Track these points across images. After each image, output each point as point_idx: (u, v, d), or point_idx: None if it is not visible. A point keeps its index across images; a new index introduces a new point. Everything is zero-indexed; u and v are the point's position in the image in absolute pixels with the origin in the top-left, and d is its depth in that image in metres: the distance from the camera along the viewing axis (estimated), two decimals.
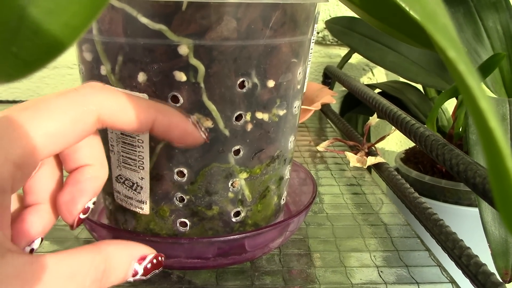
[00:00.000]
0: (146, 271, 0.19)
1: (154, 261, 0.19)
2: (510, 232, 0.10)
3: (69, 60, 0.79)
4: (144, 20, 0.22)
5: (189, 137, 0.22)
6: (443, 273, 0.29)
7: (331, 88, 0.79)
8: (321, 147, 0.52)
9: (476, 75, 0.09)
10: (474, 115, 0.09)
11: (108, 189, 0.28)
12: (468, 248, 0.29)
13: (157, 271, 0.20)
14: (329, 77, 0.79)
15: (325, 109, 0.71)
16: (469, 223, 0.61)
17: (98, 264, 0.17)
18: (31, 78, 0.79)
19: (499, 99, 0.44)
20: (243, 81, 0.24)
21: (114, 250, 0.18)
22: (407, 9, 0.10)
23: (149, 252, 0.19)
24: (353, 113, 0.81)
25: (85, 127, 0.19)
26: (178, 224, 0.27)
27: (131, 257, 0.19)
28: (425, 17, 0.10)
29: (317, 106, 0.58)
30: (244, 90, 0.25)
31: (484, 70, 0.50)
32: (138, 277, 0.19)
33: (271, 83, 0.25)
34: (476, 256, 0.28)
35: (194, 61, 0.23)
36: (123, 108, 0.20)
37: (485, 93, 0.09)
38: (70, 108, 0.18)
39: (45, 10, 0.09)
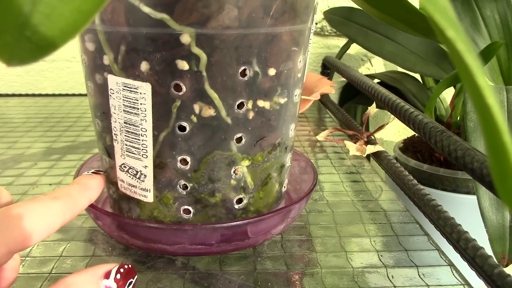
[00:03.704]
0: (119, 283, 0.19)
1: (122, 270, 0.19)
2: (509, 207, 0.11)
3: (68, 53, 0.79)
4: (146, 9, 0.23)
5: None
6: (442, 256, 0.30)
7: (330, 78, 0.79)
8: (320, 136, 0.53)
9: (475, 54, 0.09)
10: (472, 93, 0.10)
11: (112, 178, 0.29)
12: (466, 232, 0.30)
13: (133, 280, 0.20)
14: (327, 68, 0.79)
15: (324, 99, 0.71)
16: (466, 211, 0.62)
17: None
18: (29, 71, 0.79)
19: (496, 87, 0.44)
20: (244, 70, 0.25)
21: (74, 279, 0.18)
22: None
23: (112, 266, 0.19)
24: (351, 103, 0.81)
25: None
26: (181, 211, 0.27)
27: (95, 277, 0.19)
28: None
29: (316, 96, 0.59)
30: (246, 78, 0.25)
31: (482, 58, 0.51)
32: None
33: (272, 71, 0.26)
34: (474, 240, 0.29)
35: (196, 50, 0.23)
36: None
37: (483, 72, 0.09)
38: None
39: None
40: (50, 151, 0.48)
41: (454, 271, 0.28)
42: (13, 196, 0.37)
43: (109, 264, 0.19)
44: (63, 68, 0.80)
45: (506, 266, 0.38)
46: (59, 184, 0.40)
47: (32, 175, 0.42)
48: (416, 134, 0.76)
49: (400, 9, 0.25)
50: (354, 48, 0.83)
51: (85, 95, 0.76)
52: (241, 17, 0.23)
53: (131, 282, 0.20)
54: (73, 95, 0.76)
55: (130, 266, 0.20)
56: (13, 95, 0.76)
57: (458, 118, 0.66)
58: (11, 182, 0.40)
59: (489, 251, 0.31)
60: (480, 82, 0.09)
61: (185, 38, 0.23)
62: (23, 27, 0.09)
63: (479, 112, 0.10)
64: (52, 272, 0.27)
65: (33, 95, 0.76)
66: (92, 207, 0.28)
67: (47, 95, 0.76)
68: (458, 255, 0.30)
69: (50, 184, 0.40)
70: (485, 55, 0.51)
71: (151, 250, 0.29)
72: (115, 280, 0.19)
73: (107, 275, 0.19)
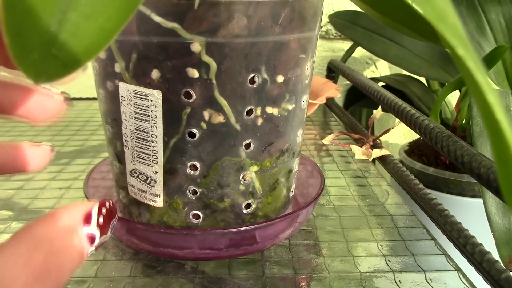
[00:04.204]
0: (102, 227, 0.14)
1: (104, 210, 0.15)
2: None
3: None
4: (157, 18, 0.23)
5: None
6: (449, 261, 0.30)
7: (335, 82, 0.79)
8: (326, 140, 0.53)
9: (484, 71, 0.10)
10: (482, 108, 0.10)
11: (122, 183, 0.29)
12: (473, 237, 0.30)
13: (115, 221, 0.15)
14: (333, 71, 0.79)
15: (329, 102, 0.71)
16: (472, 214, 0.62)
17: (29, 261, 0.12)
18: None
19: (502, 91, 0.44)
20: (253, 77, 0.25)
21: (43, 231, 0.13)
22: (418, 9, 0.11)
23: (91, 205, 0.15)
24: (357, 107, 0.81)
25: None
26: (191, 216, 0.27)
27: (73, 225, 0.14)
28: (435, 17, 0.10)
29: (321, 100, 0.59)
30: (255, 85, 0.25)
31: (487, 62, 0.51)
32: (98, 241, 0.14)
33: (280, 79, 0.26)
34: (481, 244, 0.29)
35: (206, 58, 0.24)
36: None
37: (492, 88, 0.10)
38: None
39: (83, 15, 0.10)
40: (58, 155, 0.49)
41: (461, 276, 0.28)
42: (23, 201, 0.38)
43: (86, 203, 0.15)
44: None
45: None
46: (69, 188, 0.40)
47: (42, 179, 0.42)
48: (422, 138, 0.77)
49: (404, 13, 0.26)
50: (359, 52, 0.84)
51: (93, 98, 0.76)
52: (250, 26, 0.24)
53: (114, 223, 0.15)
54: (81, 98, 0.77)
55: (111, 203, 0.16)
56: None
57: (464, 122, 0.66)
58: (21, 187, 0.41)
59: (495, 255, 0.31)
60: (489, 99, 0.09)
61: (196, 47, 0.23)
62: (50, 45, 0.10)
63: (488, 125, 0.10)
64: None
65: None
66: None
67: None
68: (465, 259, 0.30)
69: (59, 188, 0.40)
70: (491, 59, 0.51)
71: (160, 254, 0.29)
72: (98, 225, 0.14)
73: (87, 220, 0.14)
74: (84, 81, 0.81)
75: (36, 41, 0.10)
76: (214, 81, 0.24)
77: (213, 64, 0.24)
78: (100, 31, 0.10)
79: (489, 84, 0.10)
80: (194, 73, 0.24)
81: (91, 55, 0.11)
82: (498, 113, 0.09)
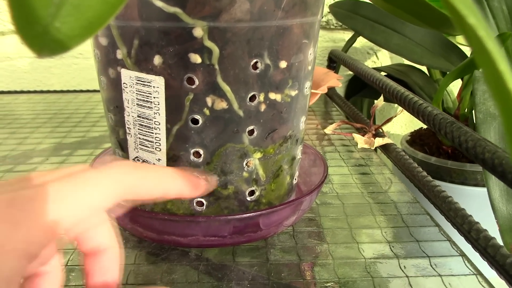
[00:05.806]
0: None
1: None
2: None
3: (75, 50, 0.80)
4: (159, 3, 0.23)
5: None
6: (453, 247, 0.30)
7: (336, 72, 0.79)
8: (328, 130, 0.53)
9: (495, 40, 0.10)
10: (492, 78, 0.10)
11: None
12: (477, 223, 0.30)
13: None
14: (334, 61, 0.79)
15: (330, 93, 0.71)
16: (475, 203, 0.62)
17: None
18: (37, 68, 0.80)
19: None
20: (256, 62, 0.25)
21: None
22: None
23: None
24: (358, 97, 0.81)
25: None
26: (195, 204, 0.27)
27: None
28: None
29: (323, 90, 0.59)
30: (257, 71, 0.25)
31: None
32: None
33: (283, 64, 0.26)
34: (485, 230, 0.29)
35: (208, 43, 0.24)
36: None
37: (504, 58, 0.09)
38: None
39: None
40: (60, 147, 0.49)
41: (466, 261, 0.28)
42: None
43: None
44: (71, 65, 0.80)
45: None
46: None
47: (44, 170, 0.42)
48: (423, 127, 0.76)
49: (408, 0, 0.25)
50: (360, 42, 0.83)
51: (93, 91, 0.76)
52: (252, 10, 0.23)
53: None
54: (81, 91, 0.76)
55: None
56: (22, 91, 0.76)
57: (466, 110, 0.66)
58: None
59: (499, 241, 0.31)
60: (501, 67, 0.09)
61: (198, 32, 0.23)
62: (53, 18, 0.10)
63: (498, 96, 0.10)
64: (68, 264, 0.28)
65: (41, 91, 0.76)
66: None
67: (55, 91, 0.76)
68: (469, 245, 0.30)
69: None
70: None
71: (164, 242, 0.29)
72: None
73: None
74: (84, 74, 0.81)
75: (39, 14, 0.10)
76: (216, 67, 0.24)
77: (216, 49, 0.24)
78: (103, 4, 0.10)
79: (500, 53, 0.09)
80: (196, 58, 0.24)
81: (95, 29, 0.10)
82: (511, 83, 0.09)
